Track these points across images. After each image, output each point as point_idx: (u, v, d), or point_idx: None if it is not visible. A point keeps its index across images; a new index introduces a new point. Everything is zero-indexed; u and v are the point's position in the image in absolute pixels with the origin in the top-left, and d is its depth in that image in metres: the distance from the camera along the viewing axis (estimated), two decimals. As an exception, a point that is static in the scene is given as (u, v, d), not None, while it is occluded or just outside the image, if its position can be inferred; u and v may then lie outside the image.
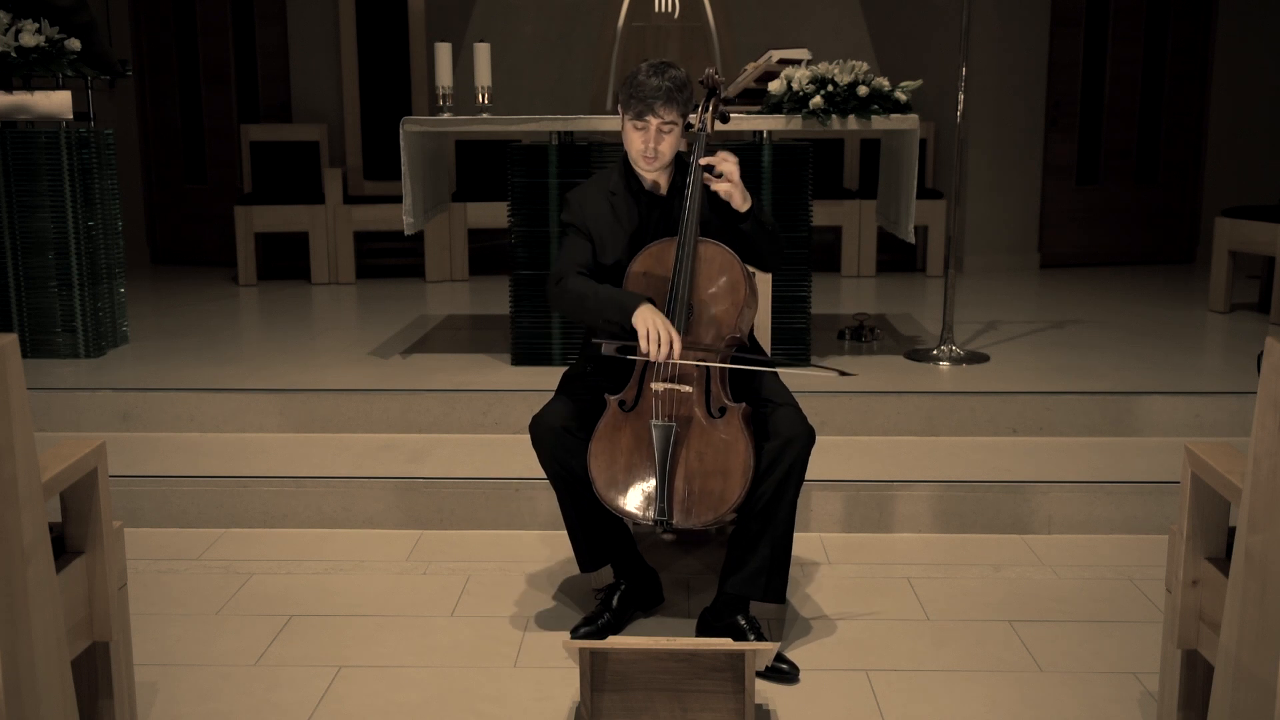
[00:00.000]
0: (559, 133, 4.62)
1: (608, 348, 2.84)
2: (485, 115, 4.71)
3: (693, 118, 3.00)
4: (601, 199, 3.03)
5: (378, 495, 3.79)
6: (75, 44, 4.67)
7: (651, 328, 2.76)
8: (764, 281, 3.54)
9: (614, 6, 5.74)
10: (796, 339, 4.65)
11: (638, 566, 3.09)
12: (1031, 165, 7.50)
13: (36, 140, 4.69)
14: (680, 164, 3.02)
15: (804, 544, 3.61)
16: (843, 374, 2.90)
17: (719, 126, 3.10)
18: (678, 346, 2.76)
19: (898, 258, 7.57)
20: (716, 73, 3.08)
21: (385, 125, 7.27)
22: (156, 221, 7.92)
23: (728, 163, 2.88)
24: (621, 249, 2.99)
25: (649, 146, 2.91)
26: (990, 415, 4.22)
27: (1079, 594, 3.29)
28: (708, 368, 2.82)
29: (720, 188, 2.88)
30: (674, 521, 2.78)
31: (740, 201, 2.90)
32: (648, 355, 2.76)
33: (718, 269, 2.88)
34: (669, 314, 2.84)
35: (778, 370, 3.07)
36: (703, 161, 2.90)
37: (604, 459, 2.83)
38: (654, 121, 2.88)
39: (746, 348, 2.98)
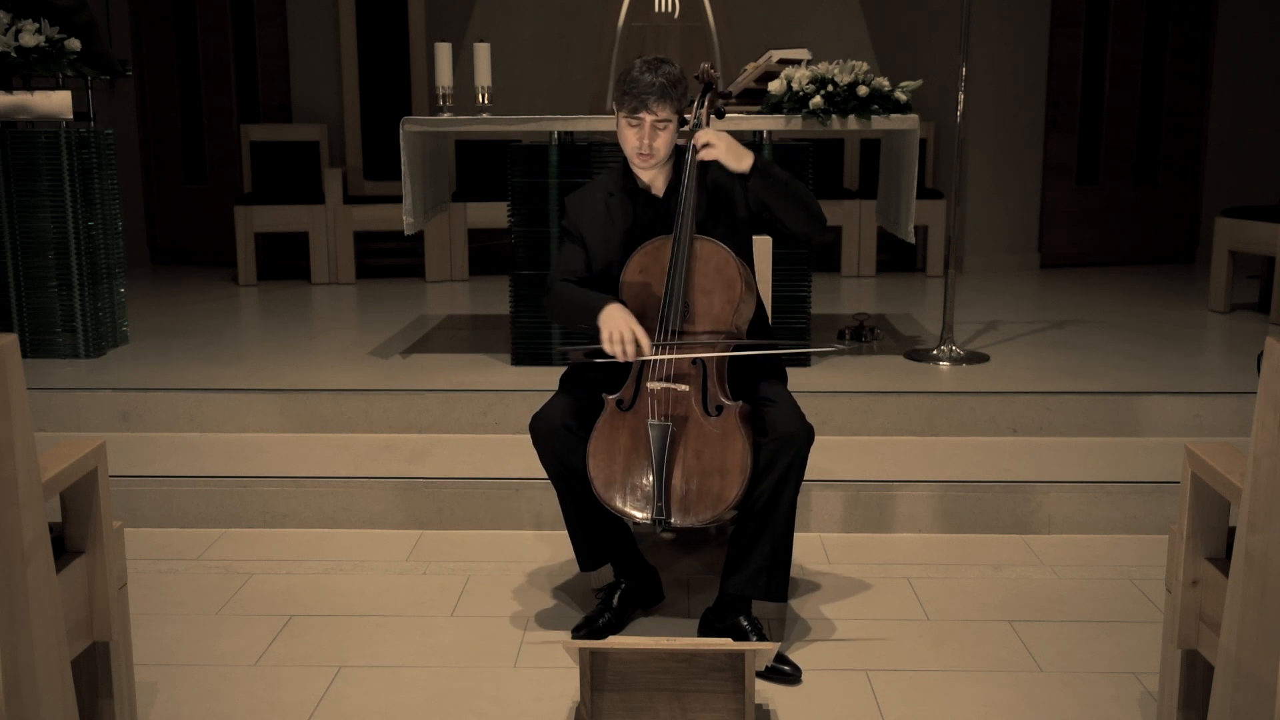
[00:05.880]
0: (559, 133, 4.61)
1: (575, 355, 2.84)
2: (485, 115, 4.71)
3: (688, 115, 2.99)
4: (598, 201, 3.03)
5: (378, 495, 3.79)
6: (75, 44, 4.67)
7: (614, 329, 2.75)
8: (764, 282, 3.55)
9: (614, 6, 5.74)
10: (797, 339, 4.64)
11: (638, 565, 3.09)
12: (1031, 165, 7.50)
13: (36, 140, 4.69)
14: (678, 163, 3.01)
15: (804, 544, 3.61)
16: (838, 349, 2.87)
17: (715, 122, 3.08)
18: (645, 345, 2.75)
19: (898, 258, 7.57)
20: (712, 68, 3.07)
21: (385, 125, 7.27)
22: (156, 221, 7.92)
23: (708, 135, 2.84)
24: (615, 251, 2.98)
25: (643, 143, 2.89)
26: (990, 415, 4.22)
27: (1079, 594, 3.29)
28: (702, 365, 2.82)
29: (709, 155, 2.84)
30: (672, 520, 2.78)
31: (734, 163, 2.85)
32: (614, 357, 2.76)
33: (713, 266, 2.87)
34: (665, 312, 2.84)
35: (779, 359, 3.05)
36: (695, 143, 2.86)
37: (602, 458, 2.83)
38: (648, 118, 2.87)
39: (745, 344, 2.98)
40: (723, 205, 2.96)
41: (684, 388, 2.81)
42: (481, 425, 4.27)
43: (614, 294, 2.92)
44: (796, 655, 2.87)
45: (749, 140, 4.60)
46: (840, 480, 3.76)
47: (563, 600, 3.23)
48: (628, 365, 2.85)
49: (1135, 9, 7.51)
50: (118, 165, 5.19)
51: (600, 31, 6.12)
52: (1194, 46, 7.59)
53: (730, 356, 2.88)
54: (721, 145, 2.84)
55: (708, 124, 3.01)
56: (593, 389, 2.93)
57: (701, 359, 2.82)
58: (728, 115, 4.50)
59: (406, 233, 4.58)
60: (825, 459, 3.89)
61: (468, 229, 7.00)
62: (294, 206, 6.89)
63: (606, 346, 2.76)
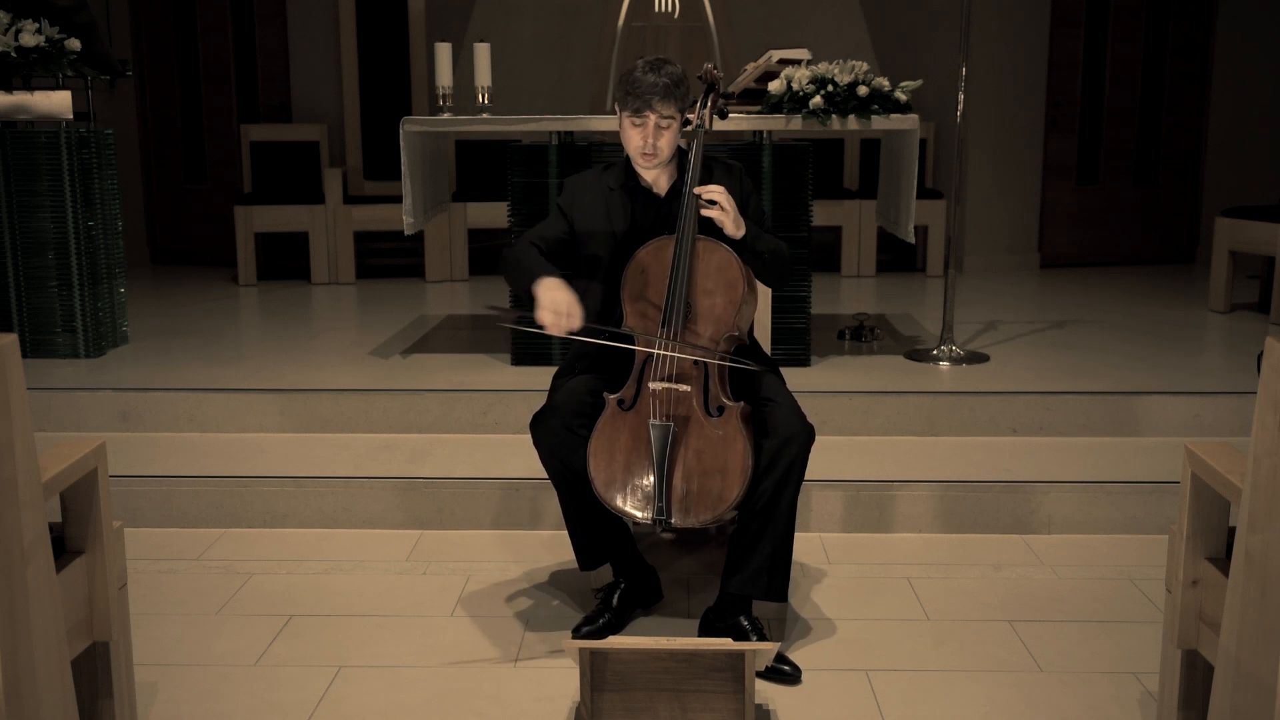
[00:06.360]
0: (559, 133, 4.62)
1: (504, 316, 2.83)
2: (485, 115, 4.71)
3: (691, 115, 3.00)
4: (598, 192, 3.03)
5: (378, 495, 3.79)
6: (75, 44, 4.67)
7: (551, 299, 2.73)
8: (764, 281, 3.55)
9: (614, 6, 5.74)
10: (796, 339, 4.65)
11: (637, 565, 3.09)
12: (1031, 165, 7.50)
13: (36, 140, 4.69)
14: (681, 164, 3.01)
15: (804, 544, 3.61)
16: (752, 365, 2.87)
17: (718, 122, 3.09)
18: (576, 321, 2.73)
19: (898, 258, 7.57)
20: (715, 68, 3.08)
21: (385, 125, 7.27)
22: (156, 221, 7.92)
23: (714, 194, 2.85)
24: (605, 245, 2.98)
25: (647, 143, 2.90)
26: (990, 415, 4.22)
27: (1079, 594, 3.29)
28: (704, 366, 2.82)
29: (713, 214, 2.85)
30: (673, 521, 2.78)
31: (732, 230, 2.86)
32: (543, 327, 2.74)
33: (715, 267, 2.87)
34: (667, 312, 2.84)
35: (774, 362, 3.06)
36: (696, 191, 2.87)
37: (603, 458, 2.82)
38: (651, 118, 2.88)
39: (746, 346, 2.98)
40: None
41: (685, 388, 2.81)
42: (481, 425, 4.27)
43: (612, 294, 2.94)
44: (796, 655, 2.87)
45: (749, 140, 4.60)
46: (840, 480, 3.76)
47: (563, 600, 3.23)
48: (613, 365, 2.85)
49: (1135, 9, 7.51)
50: (118, 165, 5.19)
51: (600, 31, 6.12)
52: (1194, 46, 7.59)
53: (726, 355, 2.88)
54: (729, 216, 2.84)
55: (710, 125, 3.02)
56: (595, 390, 2.93)
57: (703, 360, 2.83)
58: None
59: (406, 233, 4.58)
60: (825, 459, 3.89)
61: (468, 229, 7.00)
62: (294, 206, 6.89)
63: (539, 314, 2.74)
